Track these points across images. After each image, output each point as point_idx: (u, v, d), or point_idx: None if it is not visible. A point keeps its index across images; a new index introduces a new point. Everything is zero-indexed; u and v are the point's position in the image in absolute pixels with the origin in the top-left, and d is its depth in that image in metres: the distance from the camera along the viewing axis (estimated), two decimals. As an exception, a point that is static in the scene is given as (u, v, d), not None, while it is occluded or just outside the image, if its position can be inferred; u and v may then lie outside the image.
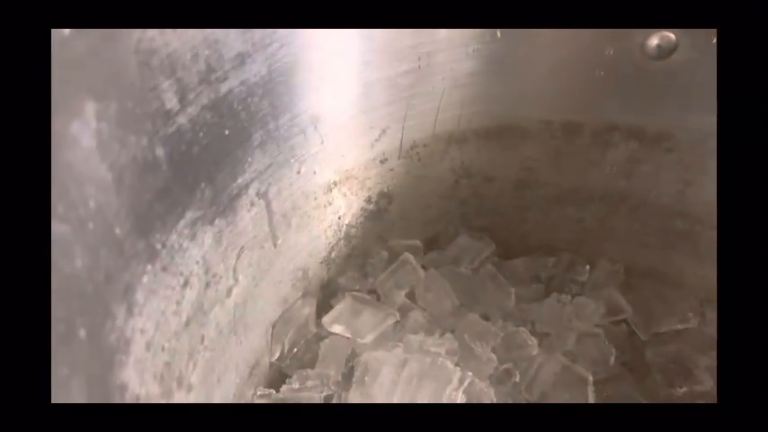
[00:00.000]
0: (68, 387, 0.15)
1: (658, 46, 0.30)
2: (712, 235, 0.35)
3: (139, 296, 0.21)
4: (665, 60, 0.31)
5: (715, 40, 0.21)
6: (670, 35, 0.30)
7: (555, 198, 0.37)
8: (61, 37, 0.17)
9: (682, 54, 0.30)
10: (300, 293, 0.35)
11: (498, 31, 0.32)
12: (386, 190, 0.36)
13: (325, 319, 0.33)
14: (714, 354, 0.31)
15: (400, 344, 0.31)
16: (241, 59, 0.24)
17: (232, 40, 0.24)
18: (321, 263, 0.35)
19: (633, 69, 0.32)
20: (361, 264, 0.37)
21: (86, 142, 0.18)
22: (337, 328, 0.33)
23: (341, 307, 0.34)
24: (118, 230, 0.20)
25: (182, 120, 0.22)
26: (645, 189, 0.36)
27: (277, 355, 0.33)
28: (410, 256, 0.35)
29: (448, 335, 0.32)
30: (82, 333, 0.17)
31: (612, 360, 0.32)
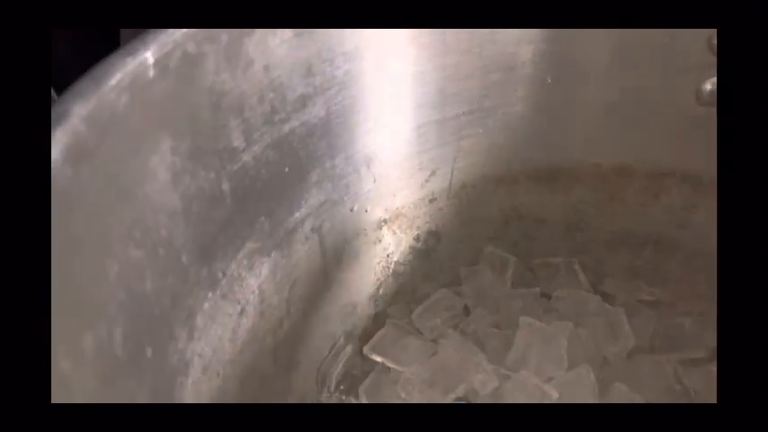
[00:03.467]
0: (134, 400, 0.16)
1: (712, 92, 0.30)
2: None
3: (200, 321, 0.22)
4: (719, 106, 0.31)
5: None
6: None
7: (607, 242, 0.37)
8: (146, 80, 0.19)
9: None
10: (348, 329, 0.35)
11: (549, 77, 0.32)
12: (434, 229, 0.37)
13: (366, 348, 0.34)
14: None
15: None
16: (303, 102, 0.26)
17: (295, 83, 0.26)
18: (369, 299, 0.36)
19: (686, 115, 0.32)
20: (408, 301, 0.37)
21: (162, 175, 0.20)
22: (378, 357, 0.33)
23: (381, 334, 0.34)
24: (184, 258, 0.21)
25: (246, 157, 0.24)
26: (700, 236, 0.35)
27: (324, 393, 0.33)
28: (446, 291, 0.36)
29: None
30: (149, 352, 0.18)
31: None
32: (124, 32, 0.35)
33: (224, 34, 0.22)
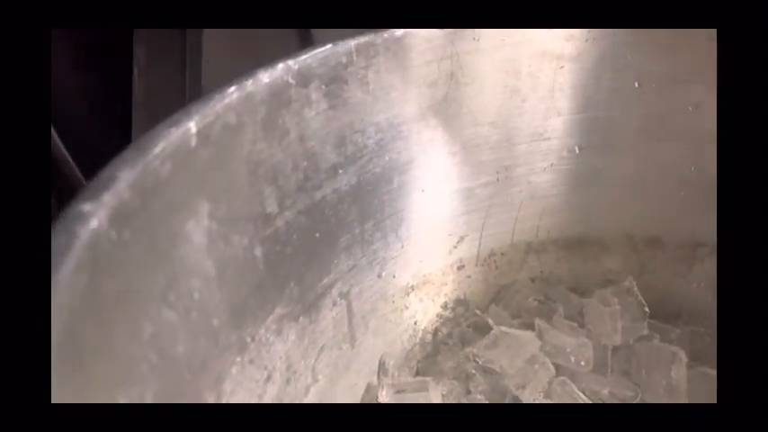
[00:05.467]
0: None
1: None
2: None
3: (227, 386, 0.22)
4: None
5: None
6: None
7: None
8: (188, 149, 0.20)
9: None
10: (374, 398, 0.34)
11: (576, 147, 0.33)
12: (462, 297, 0.37)
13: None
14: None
15: None
16: (335, 170, 0.27)
17: (328, 153, 0.26)
18: (395, 367, 0.35)
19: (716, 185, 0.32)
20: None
21: (198, 239, 0.20)
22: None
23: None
24: (215, 322, 0.21)
25: (279, 222, 0.25)
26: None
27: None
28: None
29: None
30: (177, 416, 0.18)
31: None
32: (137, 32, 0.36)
33: (262, 107, 0.23)
